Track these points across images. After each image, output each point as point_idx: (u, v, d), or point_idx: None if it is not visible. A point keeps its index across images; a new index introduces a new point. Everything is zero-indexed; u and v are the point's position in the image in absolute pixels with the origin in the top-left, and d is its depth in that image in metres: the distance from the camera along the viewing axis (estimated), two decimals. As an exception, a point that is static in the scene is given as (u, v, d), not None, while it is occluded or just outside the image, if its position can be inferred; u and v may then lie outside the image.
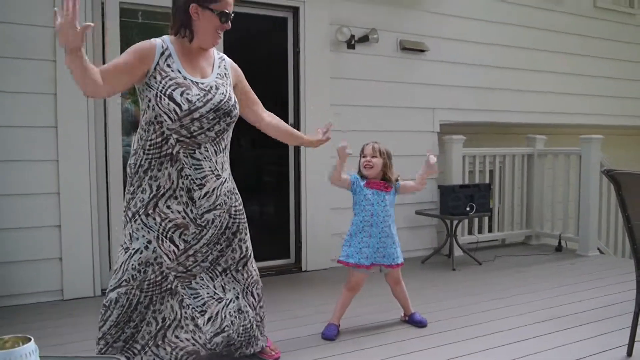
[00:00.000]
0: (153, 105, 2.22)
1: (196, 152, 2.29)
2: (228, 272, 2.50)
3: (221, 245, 2.45)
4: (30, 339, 2.35)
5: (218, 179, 2.37)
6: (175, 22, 2.33)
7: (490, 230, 5.65)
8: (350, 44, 4.78)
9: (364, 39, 4.82)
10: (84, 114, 3.80)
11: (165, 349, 2.34)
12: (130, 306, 2.28)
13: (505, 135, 6.32)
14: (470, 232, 5.43)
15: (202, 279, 2.42)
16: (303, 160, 4.65)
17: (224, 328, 2.46)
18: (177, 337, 2.35)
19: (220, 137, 2.35)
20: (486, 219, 5.51)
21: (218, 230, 2.42)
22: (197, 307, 2.39)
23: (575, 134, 5.62)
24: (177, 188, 2.29)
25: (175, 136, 2.25)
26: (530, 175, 5.84)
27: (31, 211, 3.69)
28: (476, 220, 5.44)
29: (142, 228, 2.27)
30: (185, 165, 2.28)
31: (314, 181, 4.67)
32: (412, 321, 3.28)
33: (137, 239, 2.27)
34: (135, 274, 2.27)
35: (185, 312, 2.37)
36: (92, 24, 1.99)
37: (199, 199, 2.33)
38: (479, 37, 5.59)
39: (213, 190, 2.35)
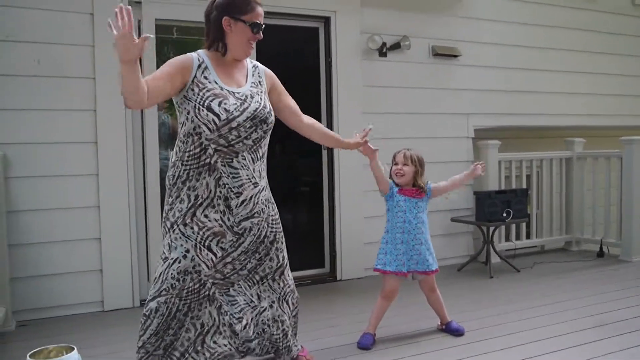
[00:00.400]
0: (192, 117, 2.27)
1: (234, 160, 2.34)
2: (265, 280, 2.53)
3: (260, 254, 2.48)
4: (73, 349, 2.42)
5: (255, 187, 2.41)
6: (209, 37, 2.40)
7: (528, 237, 5.53)
8: (382, 52, 4.78)
9: (396, 46, 4.81)
10: (122, 129, 3.90)
11: (204, 354, 2.37)
12: (169, 314, 2.31)
13: (541, 139, 6.19)
14: (507, 239, 5.34)
15: (240, 287, 2.46)
16: (337, 169, 4.66)
17: (257, 334, 2.49)
18: (215, 342, 2.39)
19: (257, 144, 2.40)
20: (524, 225, 5.40)
21: (256, 238, 2.45)
22: (234, 313, 2.42)
23: (615, 136, 5.47)
24: (214, 197, 2.34)
25: (213, 146, 2.29)
26: (569, 179, 5.71)
27: (72, 224, 3.80)
28: (513, 226, 5.34)
29: (180, 237, 2.31)
30: (223, 174, 2.33)
31: (347, 190, 4.68)
32: (448, 330, 3.24)
33: (176, 248, 2.31)
34: (175, 283, 2.30)
35: (223, 319, 2.41)
36: (151, 35, 2.02)
37: (235, 207, 2.36)
38: (511, 40, 5.52)
39: (250, 198, 2.39)
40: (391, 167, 3.18)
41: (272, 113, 2.47)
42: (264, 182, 2.49)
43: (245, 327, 2.44)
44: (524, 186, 5.35)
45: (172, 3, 4.05)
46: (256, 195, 2.41)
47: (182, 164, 2.32)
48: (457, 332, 3.21)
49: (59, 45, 3.76)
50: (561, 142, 5.83)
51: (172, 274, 2.30)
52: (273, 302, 2.55)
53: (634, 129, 6.05)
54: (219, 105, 2.26)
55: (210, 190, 2.33)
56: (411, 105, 4.98)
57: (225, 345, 2.40)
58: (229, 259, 2.40)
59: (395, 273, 3.08)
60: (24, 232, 3.67)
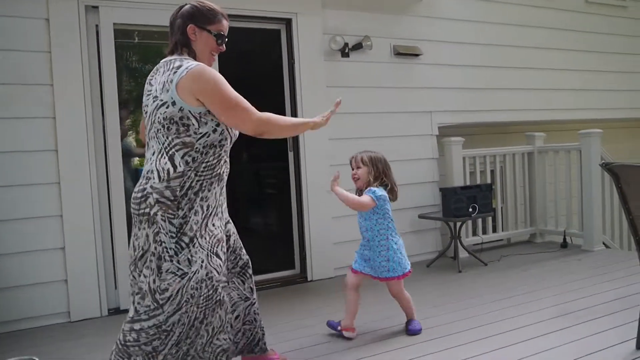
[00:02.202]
0: (222, 129, 2.28)
1: (228, 171, 2.45)
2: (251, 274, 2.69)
3: (243, 249, 2.65)
4: (37, 361, 2.37)
5: None
6: (172, 43, 2.36)
7: (494, 231, 5.64)
8: (344, 52, 4.81)
9: (358, 46, 4.85)
10: (83, 136, 3.83)
11: (208, 351, 2.36)
12: (189, 323, 2.27)
13: (504, 135, 6.33)
14: (474, 234, 5.43)
15: (234, 283, 2.60)
16: (303, 170, 4.66)
17: (247, 322, 2.65)
18: (218, 339, 2.38)
19: None
20: (490, 219, 5.50)
21: (236, 236, 2.61)
22: (229, 309, 2.46)
23: (574, 129, 5.62)
24: (218, 205, 2.38)
25: (225, 157, 2.37)
26: (532, 173, 5.84)
27: (35, 235, 3.71)
28: (480, 221, 5.43)
29: (199, 250, 2.24)
30: (224, 185, 2.42)
31: (314, 191, 4.68)
32: (407, 329, 3.24)
33: (196, 262, 2.23)
34: (194, 292, 2.24)
35: (229, 317, 2.42)
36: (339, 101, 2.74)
37: (224, 211, 2.48)
38: (471, 38, 5.63)
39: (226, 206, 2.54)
40: None
41: None
42: None
43: (237, 318, 2.59)
44: (489, 181, 5.45)
45: (131, 7, 3.99)
46: None
47: (195, 174, 2.24)
48: (410, 332, 3.19)
49: (15, 52, 3.67)
50: (522, 137, 5.96)
51: (191, 285, 2.22)
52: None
53: (592, 122, 6.23)
54: None
55: (217, 199, 2.36)
56: (375, 105, 5.02)
57: (225, 340, 2.40)
58: (227, 262, 2.50)
59: (351, 270, 3.25)
60: (-17, 244, 3.57)
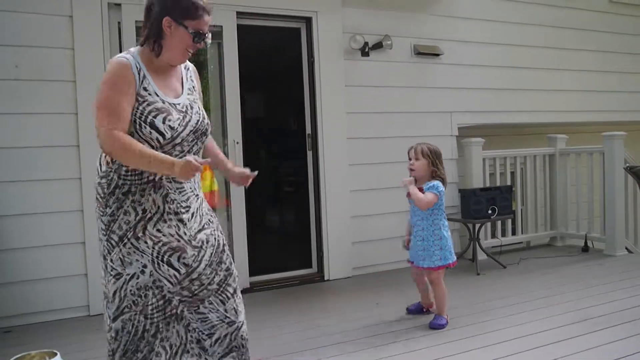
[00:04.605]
0: (132, 132, 2.05)
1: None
2: (238, 291, 2.37)
3: (225, 264, 2.31)
4: (56, 354, 2.39)
5: (197, 198, 2.27)
6: (145, 32, 2.17)
7: (514, 233, 5.57)
8: (364, 52, 4.79)
9: (378, 45, 4.83)
10: (104, 131, 3.86)
11: None
12: (136, 334, 2.14)
13: (524, 136, 6.25)
14: (493, 236, 5.37)
15: (212, 303, 2.27)
16: (322, 169, 4.65)
17: (232, 349, 2.33)
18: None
19: (197, 156, 2.22)
20: (509, 221, 5.44)
21: (216, 249, 2.28)
22: (204, 330, 2.26)
23: (597, 131, 5.53)
24: (164, 212, 2.15)
25: None
26: (553, 176, 5.76)
27: (56, 229, 3.76)
28: (499, 223, 5.37)
29: (134, 252, 2.10)
30: (170, 190, 2.15)
31: (333, 190, 4.68)
32: (430, 322, 3.33)
33: (131, 263, 2.09)
34: (137, 299, 2.11)
35: (191, 336, 2.24)
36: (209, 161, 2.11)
37: (188, 220, 2.20)
38: (492, 38, 5.56)
39: (197, 210, 2.25)
40: None
41: (210, 122, 2.31)
42: (201, 192, 2.34)
43: (217, 342, 2.28)
44: (509, 183, 5.39)
45: (153, 5, 4.02)
46: (199, 207, 2.27)
47: (118, 177, 2.09)
48: (432, 326, 3.29)
49: (39, 48, 3.72)
50: (544, 138, 5.88)
51: (131, 290, 2.10)
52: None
53: (616, 125, 6.12)
54: (163, 122, 2.06)
55: (159, 207, 2.13)
56: (394, 104, 4.99)
57: None
58: (194, 275, 2.21)
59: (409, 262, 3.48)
60: (7, 237, 3.63)
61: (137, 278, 2.10)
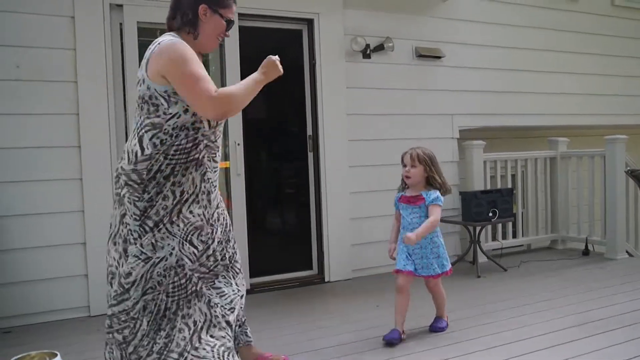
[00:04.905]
0: (186, 109, 2.16)
1: (217, 155, 2.34)
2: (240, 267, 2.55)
3: (232, 241, 2.50)
4: (57, 355, 2.39)
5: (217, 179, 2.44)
6: (180, 20, 2.26)
7: (514, 236, 5.56)
8: (365, 54, 4.79)
9: (379, 47, 4.83)
10: (105, 132, 3.87)
11: (204, 348, 2.25)
12: (158, 312, 2.20)
13: (526, 139, 6.25)
14: (494, 238, 5.37)
15: (225, 277, 2.42)
16: (323, 171, 4.65)
17: (241, 318, 2.60)
18: (212, 336, 2.29)
19: None
20: (510, 224, 5.44)
21: (224, 227, 2.46)
22: (225, 305, 2.36)
23: (599, 135, 5.53)
24: (199, 192, 2.27)
25: (205, 142, 2.24)
26: (554, 179, 5.75)
27: (57, 229, 3.76)
28: (500, 226, 5.37)
29: (167, 237, 2.19)
30: (208, 169, 2.29)
31: (333, 192, 4.68)
32: (431, 326, 3.29)
33: (162, 247, 2.18)
34: (161, 279, 2.19)
35: (215, 312, 2.32)
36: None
37: (212, 200, 2.35)
38: (494, 40, 5.56)
39: (217, 195, 2.43)
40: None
41: None
42: None
43: (237, 318, 2.45)
44: (509, 186, 5.39)
45: (155, 6, 4.02)
46: (217, 188, 2.45)
47: (164, 158, 2.16)
48: (434, 329, 3.27)
49: (40, 49, 3.72)
50: (545, 141, 5.88)
51: (158, 272, 2.18)
52: None
53: (617, 128, 6.12)
54: None
55: (196, 186, 2.25)
56: (395, 107, 4.99)
57: (223, 337, 2.32)
58: (210, 251, 2.33)
59: (397, 271, 3.15)
60: (7, 237, 3.63)
61: (165, 260, 2.18)
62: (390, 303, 3.28)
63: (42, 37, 3.73)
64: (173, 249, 2.20)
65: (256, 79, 2.24)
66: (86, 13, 3.80)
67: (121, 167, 2.21)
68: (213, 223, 2.35)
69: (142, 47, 4.11)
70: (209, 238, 2.32)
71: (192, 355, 2.21)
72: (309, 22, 4.66)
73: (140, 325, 2.19)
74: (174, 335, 2.21)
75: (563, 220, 5.73)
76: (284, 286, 4.52)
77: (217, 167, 2.36)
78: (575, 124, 6.20)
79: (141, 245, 2.17)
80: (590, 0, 6.28)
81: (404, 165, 3.18)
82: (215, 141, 2.31)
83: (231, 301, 2.40)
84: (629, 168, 5.28)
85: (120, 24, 3.97)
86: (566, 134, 5.91)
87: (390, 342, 3.03)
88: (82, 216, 3.81)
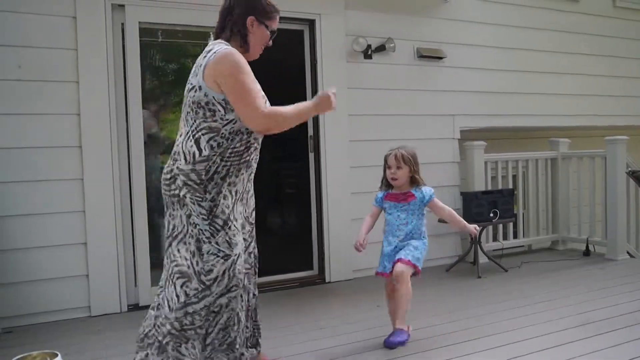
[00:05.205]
0: (237, 117, 2.27)
1: (258, 158, 2.46)
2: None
3: (256, 242, 2.63)
4: (57, 355, 2.40)
5: None
6: (229, 31, 2.37)
7: (515, 237, 5.56)
8: (367, 54, 4.79)
9: (381, 48, 4.83)
10: (107, 132, 3.88)
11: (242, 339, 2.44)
12: (235, 308, 2.32)
13: (527, 140, 6.25)
14: (495, 239, 5.37)
15: (249, 275, 2.55)
16: (324, 172, 4.66)
17: (251, 317, 2.64)
18: (247, 327, 2.51)
19: None
20: (511, 225, 5.43)
21: (253, 227, 2.60)
22: (249, 300, 2.55)
23: (600, 136, 5.53)
24: (245, 191, 2.41)
25: (255, 145, 2.38)
26: (555, 179, 5.75)
27: (58, 229, 3.76)
28: (500, 226, 5.37)
29: (237, 233, 2.30)
30: (252, 171, 2.44)
31: (334, 192, 4.68)
32: (385, 341, 3.02)
33: (237, 244, 2.28)
34: (242, 278, 2.31)
35: (249, 303, 2.52)
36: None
37: (250, 198, 2.53)
38: (495, 41, 5.57)
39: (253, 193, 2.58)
40: (384, 170, 3.16)
41: None
42: None
43: (251, 316, 2.59)
44: (510, 186, 5.39)
45: (157, 6, 4.03)
46: None
47: (221, 160, 2.26)
48: (387, 344, 3.00)
49: (42, 49, 3.73)
50: (546, 142, 5.88)
51: (239, 269, 2.28)
52: None
53: (617, 129, 6.12)
54: (266, 104, 2.33)
55: (244, 186, 2.39)
56: (397, 107, 4.99)
57: (248, 328, 2.54)
58: (250, 249, 2.52)
59: (378, 274, 3.12)
60: (8, 237, 3.63)
61: (241, 257, 2.31)
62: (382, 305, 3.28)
63: (43, 37, 3.73)
64: (241, 245, 2.32)
65: (308, 107, 2.42)
66: (87, 13, 3.81)
67: (177, 167, 2.26)
68: (252, 222, 2.54)
69: (144, 48, 4.12)
70: (249, 235, 2.51)
71: (241, 345, 2.39)
72: (311, 23, 4.66)
73: (220, 320, 2.29)
74: (241, 329, 2.38)
75: (564, 220, 5.73)
76: (285, 286, 4.52)
77: (254, 169, 2.48)
78: (576, 124, 6.20)
79: (217, 243, 2.24)
80: (591, 1, 6.29)
81: (389, 167, 3.10)
82: (259, 144, 2.44)
83: (253, 295, 2.60)
84: (629, 169, 5.28)
85: (122, 24, 3.97)
86: (567, 135, 5.91)
87: (391, 344, 3.02)
88: (83, 216, 3.82)
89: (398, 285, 2.98)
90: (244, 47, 2.37)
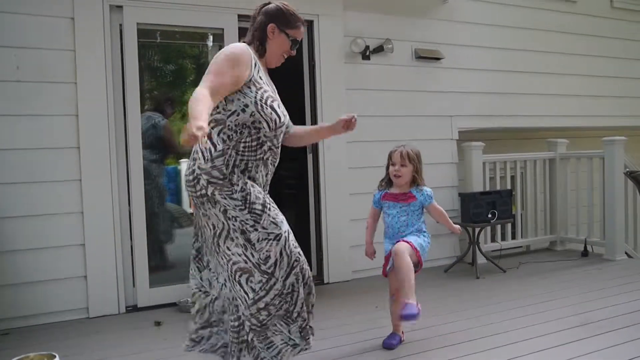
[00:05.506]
0: (252, 111, 2.25)
1: (276, 161, 2.45)
2: None
3: None
4: (55, 356, 2.39)
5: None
6: (250, 35, 2.43)
7: (513, 237, 5.57)
8: (365, 55, 4.80)
9: (379, 49, 4.83)
10: (105, 133, 3.87)
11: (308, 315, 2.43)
12: (304, 278, 2.34)
13: (525, 140, 6.25)
14: (493, 240, 5.37)
15: None
16: (322, 172, 4.66)
17: None
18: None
19: None
20: (509, 225, 5.44)
21: None
22: None
23: (597, 136, 5.54)
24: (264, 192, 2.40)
25: (269, 144, 2.34)
26: (553, 180, 5.76)
27: (56, 231, 3.75)
28: (499, 227, 5.37)
29: (278, 213, 2.31)
30: (269, 172, 2.42)
31: (333, 193, 4.68)
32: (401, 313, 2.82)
33: (282, 221, 2.30)
34: (298, 252, 2.33)
35: None
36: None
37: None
38: (493, 42, 5.57)
39: None
40: (387, 166, 3.13)
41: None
42: None
43: None
44: (509, 187, 5.39)
45: (155, 7, 4.02)
46: None
47: (236, 153, 2.26)
48: (388, 346, 3.02)
49: (40, 50, 3.72)
50: (544, 143, 5.89)
51: (293, 244, 2.30)
52: None
53: (615, 130, 6.13)
54: (278, 107, 2.34)
55: (261, 185, 2.37)
56: (395, 108, 4.99)
57: None
58: None
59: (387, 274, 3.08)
60: (6, 239, 3.62)
61: (291, 233, 2.32)
62: (388, 304, 3.27)
63: (41, 38, 3.72)
64: (285, 221, 2.33)
65: (194, 114, 1.95)
66: (85, 14, 3.80)
67: (198, 167, 2.26)
68: None
69: (142, 49, 4.11)
70: None
71: (302, 317, 2.38)
72: (309, 24, 4.66)
73: (298, 296, 2.31)
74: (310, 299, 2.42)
75: (562, 221, 5.73)
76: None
77: (272, 173, 2.47)
78: (574, 125, 6.21)
79: (263, 227, 2.24)
80: (589, 2, 6.30)
81: (393, 164, 3.07)
82: (278, 147, 2.42)
83: None
84: (627, 169, 5.28)
85: (120, 25, 3.96)
86: (565, 135, 5.92)
87: (390, 346, 3.02)
88: (81, 217, 3.81)
89: (397, 261, 2.89)
90: (259, 52, 2.41)
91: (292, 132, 2.68)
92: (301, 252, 2.35)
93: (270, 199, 2.37)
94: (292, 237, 2.32)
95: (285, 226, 2.30)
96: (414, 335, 3.23)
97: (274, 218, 2.27)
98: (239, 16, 4.23)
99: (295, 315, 2.32)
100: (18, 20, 3.66)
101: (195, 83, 5.48)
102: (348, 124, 2.61)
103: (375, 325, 3.32)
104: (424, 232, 3.13)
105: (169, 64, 4.68)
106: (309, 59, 4.70)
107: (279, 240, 2.25)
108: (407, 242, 2.97)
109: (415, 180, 3.08)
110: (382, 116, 4.92)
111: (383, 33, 4.89)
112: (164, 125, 4.70)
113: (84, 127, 3.81)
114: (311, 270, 4.69)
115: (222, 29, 4.19)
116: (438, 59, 5.18)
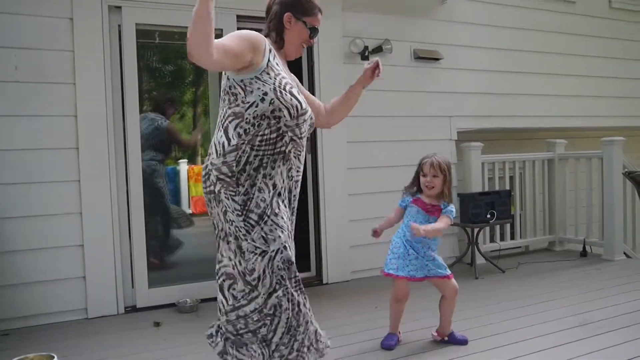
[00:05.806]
0: (272, 98, 2.12)
1: (302, 154, 2.30)
2: None
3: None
4: (53, 357, 2.39)
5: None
6: (267, 27, 2.35)
7: (512, 237, 5.57)
8: (364, 55, 4.79)
9: (378, 49, 4.83)
10: (103, 134, 3.87)
11: (320, 345, 2.28)
12: (294, 308, 2.16)
13: (524, 141, 6.26)
14: (492, 240, 5.37)
15: None
16: (321, 172, 4.66)
17: None
18: (318, 332, 2.30)
19: None
20: (508, 226, 5.44)
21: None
22: None
23: (596, 136, 5.54)
24: (284, 188, 2.25)
25: (290, 134, 2.20)
26: (552, 180, 5.77)
27: (55, 232, 3.75)
28: (498, 227, 5.37)
29: (275, 229, 2.14)
30: (293, 167, 2.27)
31: (331, 193, 4.68)
32: (452, 339, 3.11)
33: (274, 240, 2.13)
34: (284, 274, 2.14)
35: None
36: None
37: (293, 200, 2.34)
38: (492, 43, 5.58)
39: (296, 195, 2.38)
40: (418, 175, 3.06)
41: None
42: None
43: None
44: (507, 187, 5.40)
45: (153, 8, 4.02)
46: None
47: (251, 149, 2.14)
48: (460, 342, 3.08)
49: (39, 51, 3.72)
50: (543, 143, 5.89)
51: (278, 265, 2.13)
52: None
53: (614, 130, 6.14)
54: (297, 93, 2.22)
55: (283, 181, 2.23)
56: (394, 109, 4.99)
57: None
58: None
59: (407, 279, 3.01)
60: (5, 239, 3.62)
61: (281, 253, 2.14)
62: (388, 304, 3.27)
63: (40, 38, 3.72)
64: (286, 242, 2.16)
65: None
66: (84, 15, 3.80)
67: (210, 162, 2.20)
68: (291, 224, 2.34)
69: (141, 49, 4.11)
70: (287, 236, 2.28)
71: (314, 348, 2.25)
72: (308, 24, 4.66)
73: (279, 322, 2.14)
74: (309, 330, 2.21)
75: (561, 221, 5.74)
76: (283, 288, 4.50)
77: (301, 169, 2.32)
78: (573, 125, 6.21)
79: (252, 240, 2.12)
80: (587, 2, 6.30)
81: (424, 175, 3.00)
82: (301, 137, 2.26)
83: None
84: (626, 170, 5.29)
85: (119, 25, 3.96)
86: (564, 136, 5.93)
87: (389, 347, 3.03)
88: (80, 218, 3.81)
89: (452, 298, 3.10)
90: (278, 43, 2.31)
91: (329, 109, 2.60)
92: (292, 279, 2.16)
93: (285, 206, 2.24)
94: (279, 257, 2.13)
95: (276, 246, 2.13)
96: (413, 336, 3.23)
97: (265, 233, 2.13)
98: (238, 17, 4.23)
99: (273, 347, 2.15)
100: (18, 21, 3.66)
101: (194, 83, 5.49)
102: (374, 71, 2.59)
103: (374, 326, 3.32)
104: (435, 247, 3.09)
105: (167, 64, 4.68)
106: (308, 59, 4.70)
107: (263, 256, 2.12)
108: (451, 276, 3.07)
109: (444, 193, 3.01)
110: (381, 116, 4.92)
111: (382, 33, 4.89)
112: (167, 126, 4.72)
113: (83, 128, 3.81)
114: (310, 271, 4.77)
115: (221, 30, 4.18)
116: (437, 59, 5.19)
